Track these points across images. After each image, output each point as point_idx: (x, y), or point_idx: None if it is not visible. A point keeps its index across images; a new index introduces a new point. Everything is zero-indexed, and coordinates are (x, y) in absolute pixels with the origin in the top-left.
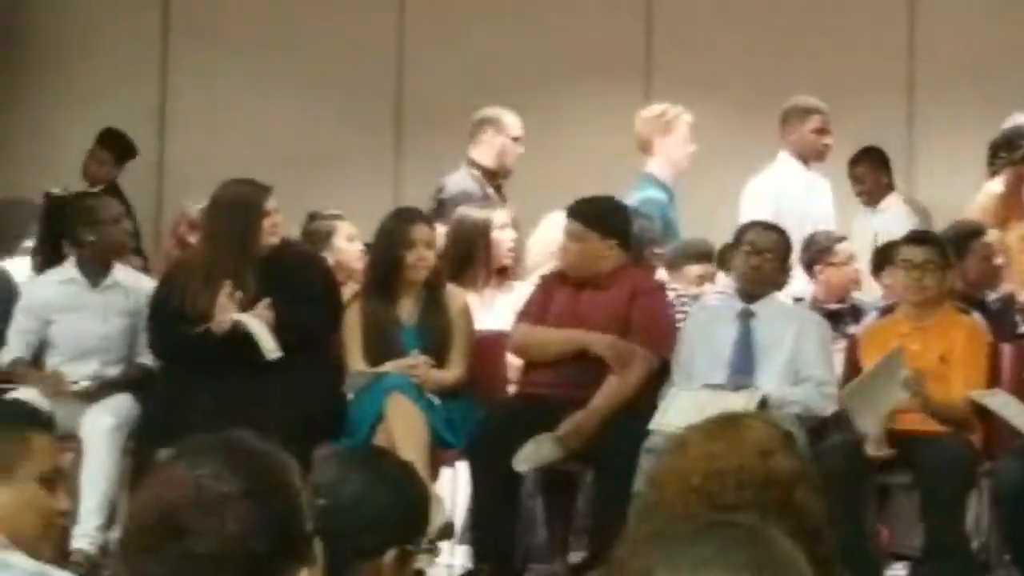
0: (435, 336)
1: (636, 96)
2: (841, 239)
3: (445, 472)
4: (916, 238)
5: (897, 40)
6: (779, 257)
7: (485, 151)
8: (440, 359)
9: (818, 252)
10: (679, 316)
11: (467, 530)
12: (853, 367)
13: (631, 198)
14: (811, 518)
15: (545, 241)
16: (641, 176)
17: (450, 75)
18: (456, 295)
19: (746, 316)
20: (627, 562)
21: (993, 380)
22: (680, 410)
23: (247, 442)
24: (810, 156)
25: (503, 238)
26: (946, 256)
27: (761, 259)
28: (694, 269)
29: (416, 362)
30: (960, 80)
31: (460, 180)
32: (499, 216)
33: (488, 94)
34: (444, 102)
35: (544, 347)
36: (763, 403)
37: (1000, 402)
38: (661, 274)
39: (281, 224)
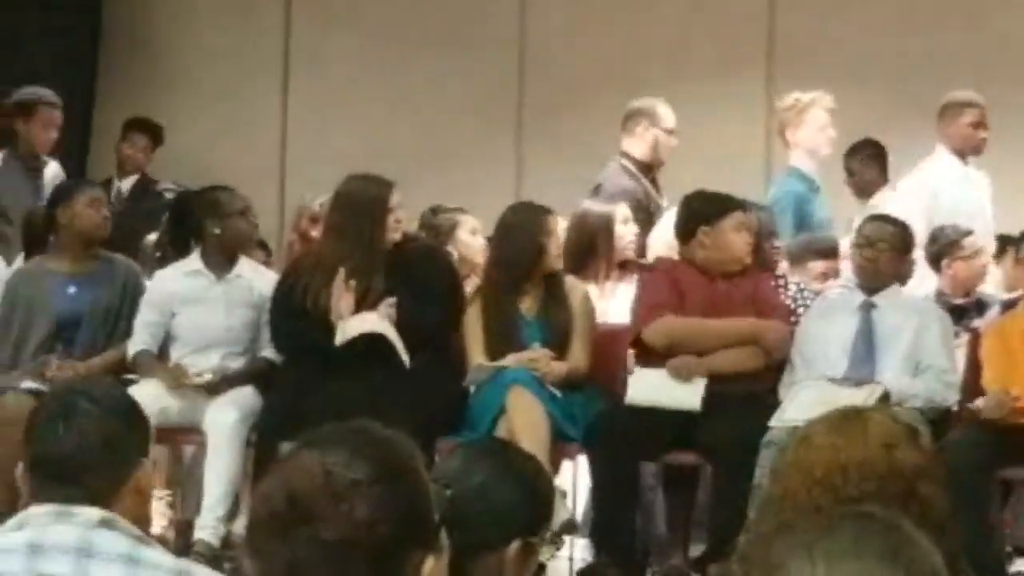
0: (556, 328)
1: (758, 87)
2: (968, 233)
3: (566, 465)
4: None
5: None
6: (894, 248)
7: (638, 144)
8: (561, 351)
9: (946, 245)
10: (800, 310)
11: (587, 524)
12: (975, 362)
13: (771, 191)
14: (935, 511)
15: (668, 234)
16: (786, 168)
17: (571, 68)
18: (576, 287)
19: (867, 308)
20: (756, 555)
21: None
22: (801, 405)
23: (375, 431)
24: (967, 151)
25: (625, 232)
26: None
27: (875, 251)
28: (817, 265)
29: (537, 355)
30: None
31: (615, 176)
32: (621, 210)
33: (609, 87)
34: (566, 96)
35: (705, 337)
36: (885, 398)
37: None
38: (782, 267)
39: (405, 219)
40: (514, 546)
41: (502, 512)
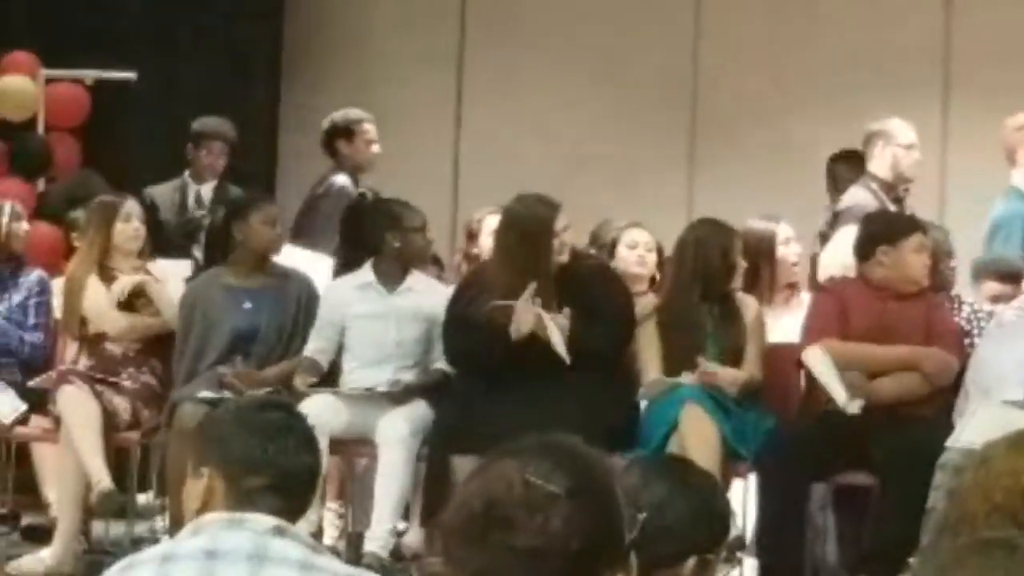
0: (732, 345)
1: (934, 107)
2: None
3: (736, 483)
4: None
5: None
6: None
7: (879, 164)
8: (735, 365)
9: None
10: (974, 331)
11: (755, 543)
12: None
13: (994, 211)
14: None
15: (839, 254)
16: (1009, 188)
17: (744, 83)
18: (749, 303)
19: None
20: None
21: None
22: (979, 427)
23: (576, 446)
24: None
25: (788, 253)
26: None
27: None
28: (992, 287)
29: (710, 369)
30: None
31: (857, 194)
32: (783, 230)
33: (781, 104)
34: (737, 110)
35: (868, 363)
36: None
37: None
38: (958, 289)
39: (570, 241)
40: (690, 563)
41: (679, 529)
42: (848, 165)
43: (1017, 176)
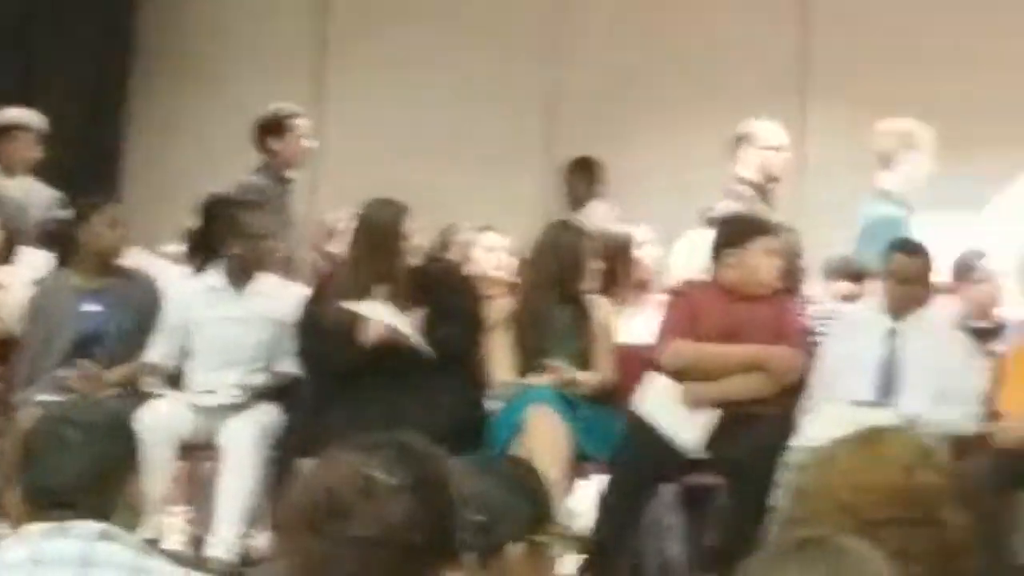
0: (583, 346)
1: (792, 111)
2: (982, 255)
3: (586, 485)
4: None
5: None
6: (925, 281)
7: (746, 166)
8: (585, 367)
9: (964, 270)
10: (821, 330)
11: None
12: (999, 385)
13: (866, 213)
14: (956, 534)
15: (690, 257)
16: (876, 191)
17: (603, 85)
18: (600, 304)
19: (892, 334)
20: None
21: None
22: (824, 426)
23: (417, 443)
24: None
25: (644, 255)
26: None
27: (908, 288)
28: (842, 286)
29: (559, 368)
30: None
31: (727, 203)
32: (640, 233)
33: (635, 107)
34: (597, 114)
35: (717, 362)
36: (909, 421)
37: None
38: (808, 288)
39: (419, 244)
40: (518, 548)
41: (499, 517)
42: (581, 174)
43: (888, 179)
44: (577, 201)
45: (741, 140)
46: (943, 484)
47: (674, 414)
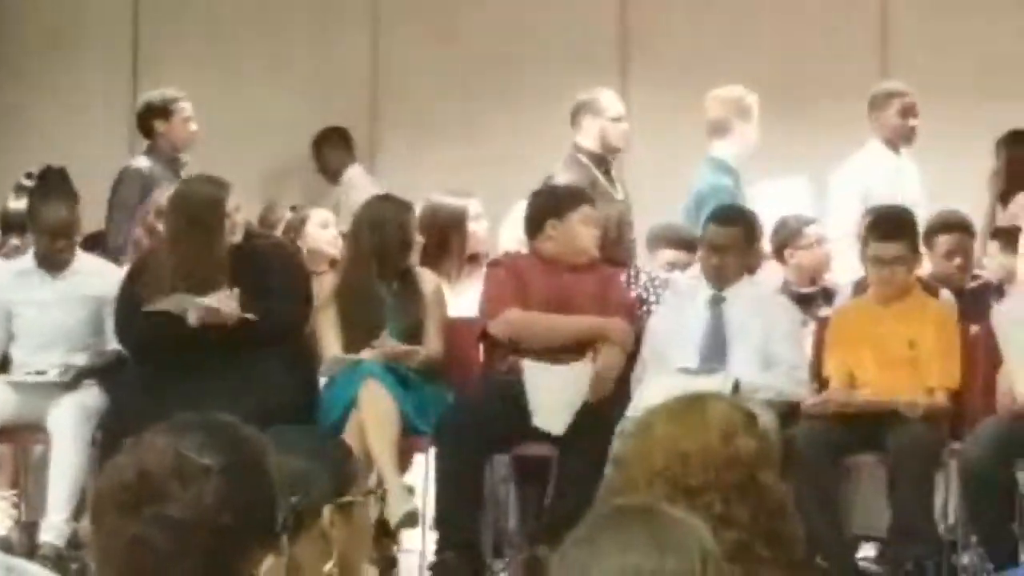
0: (411, 321)
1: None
2: (810, 221)
3: (419, 459)
4: (885, 234)
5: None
6: (741, 249)
7: (587, 135)
8: (415, 341)
9: (788, 236)
10: (651, 300)
11: (435, 516)
12: (821, 350)
13: (701, 182)
14: (774, 499)
15: (518, 228)
16: (709, 160)
17: (425, 69)
18: (429, 278)
19: (716, 302)
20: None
21: (968, 363)
22: (655, 394)
23: (233, 424)
24: (897, 140)
25: (477, 228)
26: (915, 247)
27: (721, 257)
28: (667, 254)
29: (389, 345)
30: None
31: (567, 171)
32: (473, 206)
33: (463, 88)
34: (420, 97)
35: (551, 333)
36: (736, 387)
37: None
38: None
39: (241, 221)
40: (326, 512)
41: (303, 484)
42: (331, 145)
43: (720, 148)
44: (330, 170)
45: (582, 109)
46: (761, 449)
47: (547, 393)
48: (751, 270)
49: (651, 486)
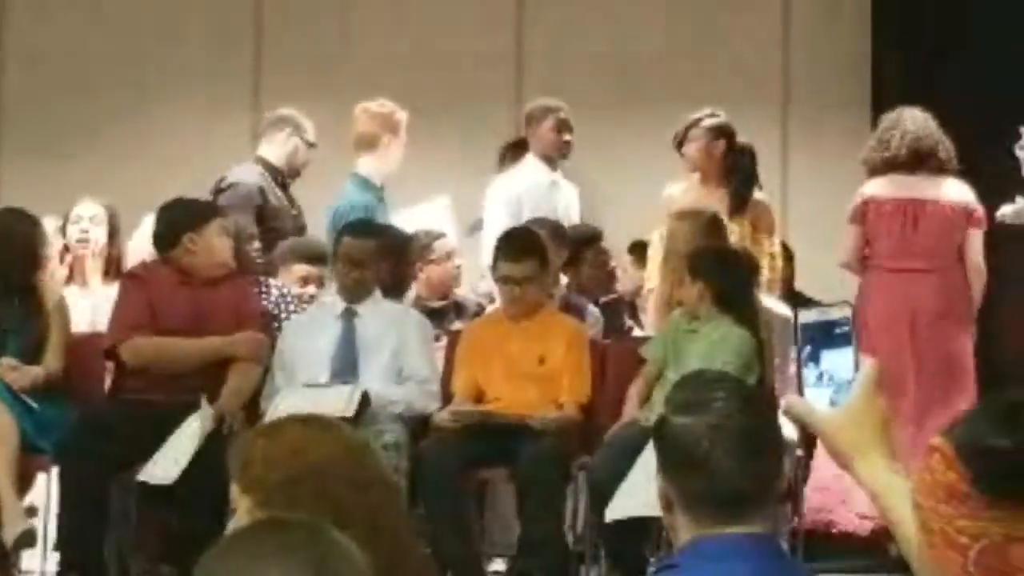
0: (34, 335)
1: (244, 102)
2: (440, 236)
3: (41, 478)
4: (513, 254)
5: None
6: (375, 263)
7: (277, 149)
8: (39, 356)
9: (419, 250)
10: (283, 315)
11: (57, 536)
12: (453, 364)
13: (342, 200)
14: (352, 511)
15: (146, 241)
16: (353, 176)
17: (49, 74)
18: (52, 292)
19: (348, 316)
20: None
21: (599, 378)
22: (287, 410)
23: None
24: (553, 155)
25: (98, 236)
26: (544, 266)
27: (359, 270)
28: (300, 269)
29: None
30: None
31: (244, 174)
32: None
33: (90, 96)
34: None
35: (179, 356)
36: (365, 399)
37: None
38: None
39: None
40: None
41: None
42: None
43: (365, 164)
44: None
45: (283, 122)
46: (332, 460)
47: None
48: (400, 287)
49: (269, 503)
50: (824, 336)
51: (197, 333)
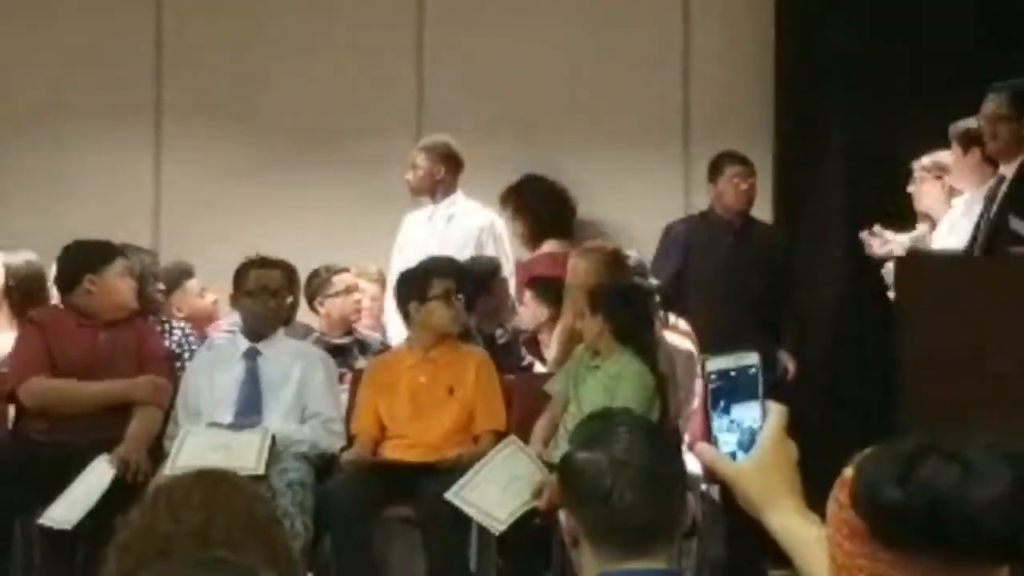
0: None
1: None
2: (341, 270)
3: None
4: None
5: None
6: (282, 296)
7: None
8: None
9: (319, 285)
10: (185, 355)
11: None
12: (357, 400)
13: None
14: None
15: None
16: None
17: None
18: None
19: (252, 355)
20: None
21: (508, 410)
22: (194, 451)
23: None
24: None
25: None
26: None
27: (269, 299)
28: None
29: None
30: None
31: None
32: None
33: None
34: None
35: (78, 400)
36: (273, 441)
37: None
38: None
39: None
40: None
41: None
42: None
43: None
44: None
45: None
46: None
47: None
48: (287, 320)
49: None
50: (731, 385)
51: (97, 376)
